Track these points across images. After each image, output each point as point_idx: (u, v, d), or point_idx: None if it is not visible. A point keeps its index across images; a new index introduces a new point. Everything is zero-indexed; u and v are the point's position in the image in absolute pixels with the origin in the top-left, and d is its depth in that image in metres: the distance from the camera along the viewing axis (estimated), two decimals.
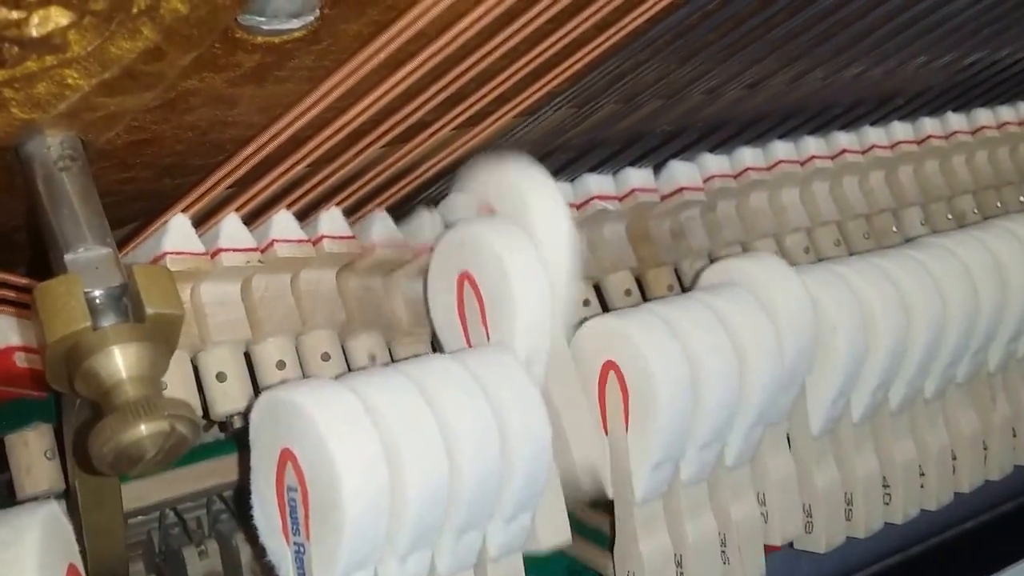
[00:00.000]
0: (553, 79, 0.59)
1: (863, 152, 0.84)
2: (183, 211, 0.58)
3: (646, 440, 0.59)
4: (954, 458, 0.75)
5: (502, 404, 0.53)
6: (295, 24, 0.49)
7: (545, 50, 0.55)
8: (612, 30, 0.56)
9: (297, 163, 0.57)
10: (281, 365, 0.60)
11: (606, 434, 0.61)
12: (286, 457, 0.50)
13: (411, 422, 0.50)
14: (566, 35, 0.55)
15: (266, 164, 0.57)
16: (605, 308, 0.74)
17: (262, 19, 0.47)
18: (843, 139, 0.83)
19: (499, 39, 0.53)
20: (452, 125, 0.59)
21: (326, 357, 0.62)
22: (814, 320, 0.64)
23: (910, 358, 0.69)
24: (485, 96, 0.58)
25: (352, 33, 0.51)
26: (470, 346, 0.60)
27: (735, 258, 0.67)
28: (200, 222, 0.59)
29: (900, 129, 0.86)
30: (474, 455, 0.51)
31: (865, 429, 0.71)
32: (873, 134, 0.85)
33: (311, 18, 0.49)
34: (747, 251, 0.81)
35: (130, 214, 0.61)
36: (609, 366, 0.60)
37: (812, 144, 0.82)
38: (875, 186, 0.87)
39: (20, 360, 0.61)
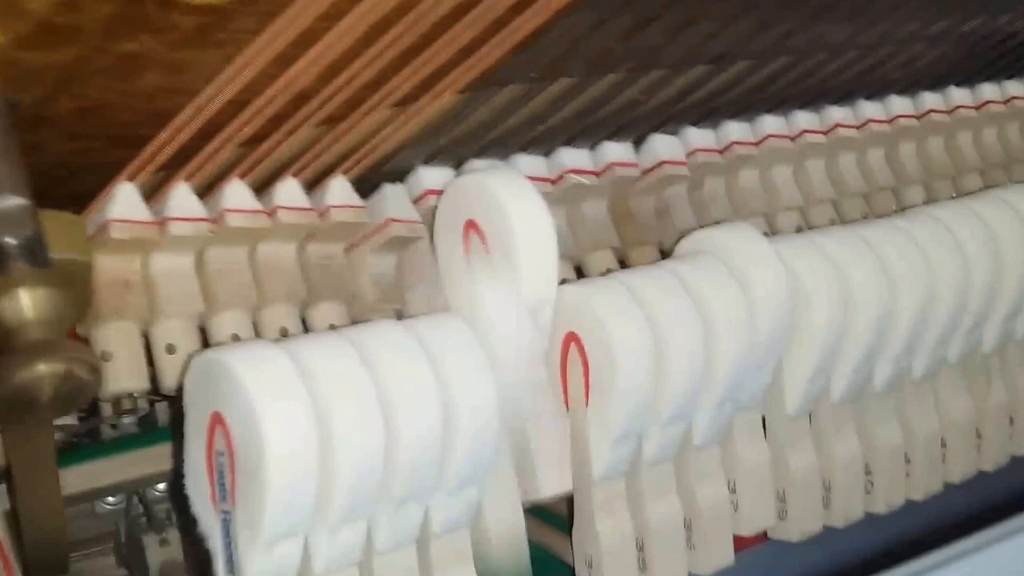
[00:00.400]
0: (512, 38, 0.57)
1: (858, 127, 0.82)
2: (131, 179, 0.57)
3: (605, 413, 0.57)
4: (944, 446, 0.72)
5: (447, 371, 0.52)
6: None
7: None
8: None
9: (241, 129, 0.56)
10: (236, 339, 0.60)
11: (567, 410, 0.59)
12: (215, 420, 0.49)
13: (346, 386, 0.49)
14: None
15: (213, 132, 0.56)
16: None
17: None
18: (837, 113, 0.81)
19: None
20: (401, 91, 0.58)
21: (284, 332, 0.61)
22: (789, 292, 0.62)
23: (895, 334, 0.66)
24: (434, 60, 0.57)
25: None
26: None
27: (708, 228, 0.65)
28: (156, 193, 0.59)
29: (899, 103, 0.83)
30: (413, 422, 0.50)
31: (846, 411, 0.68)
32: (870, 108, 0.82)
33: None
34: None
35: (87, 186, 0.61)
36: (570, 338, 0.58)
37: (803, 118, 0.80)
38: (874, 163, 0.84)
39: None
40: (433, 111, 0.61)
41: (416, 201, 0.66)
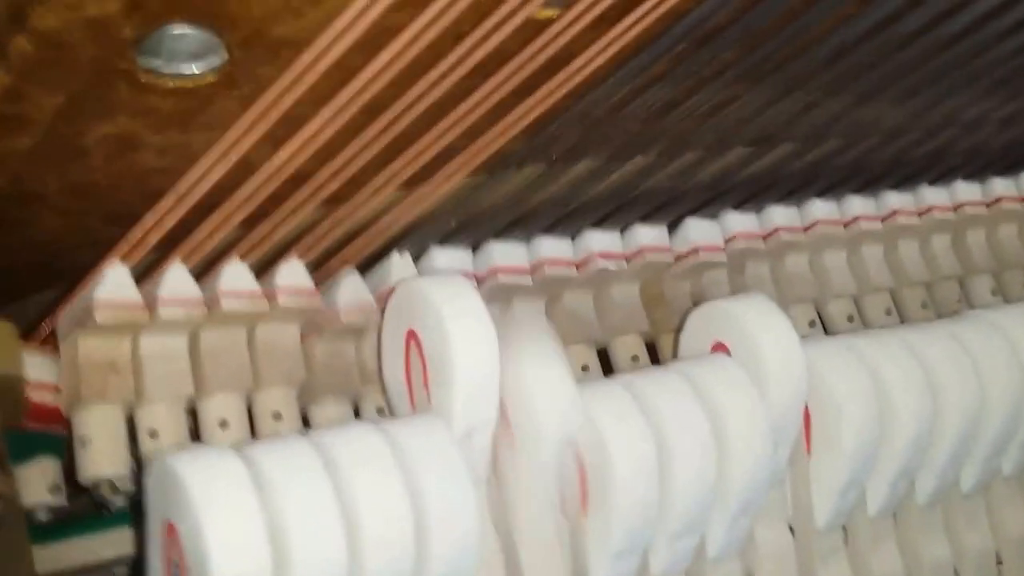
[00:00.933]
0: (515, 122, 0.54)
1: (920, 214, 0.76)
2: (124, 258, 0.55)
3: (605, 524, 0.53)
4: (999, 562, 0.66)
5: (422, 484, 0.48)
6: (198, 68, 0.46)
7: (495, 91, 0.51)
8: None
9: (236, 209, 0.54)
10: (224, 424, 0.57)
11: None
12: (169, 530, 0.46)
13: (307, 498, 0.46)
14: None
15: (211, 211, 0.54)
16: (608, 375, 0.68)
17: (159, 61, 0.45)
18: (895, 199, 0.75)
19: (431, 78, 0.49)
20: (405, 173, 0.55)
21: (277, 416, 0.59)
22: (805, 389, 0.57)
23: (939, 447, 0.61)
24: (439, 142, 0.54)
25: (270, 77, 0.48)
26: (414, 409, 0.55)
27: (722, 301, 0.60)
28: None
29: (965, 189, 0.77)
30: (380, 541, 0.47)
31: (885, 524, 0.62)
32: (932, 194, 0.76)
33: (217, 61, 0.46)
34: None
35: (84, 261, 0.59)
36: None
37: (858, 204, 0.74)
38: (938, 251, 0.78)
39: None
40: (444, 192, 0.59)
41: None
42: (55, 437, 0.58)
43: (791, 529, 0.61)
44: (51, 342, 0.58)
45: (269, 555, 0.44)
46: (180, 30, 0.43)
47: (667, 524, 0.54)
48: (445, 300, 0.52)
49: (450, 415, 0.52)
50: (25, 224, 0.56)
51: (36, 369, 0.57)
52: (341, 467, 0.47)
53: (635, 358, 0.68)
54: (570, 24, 0.47)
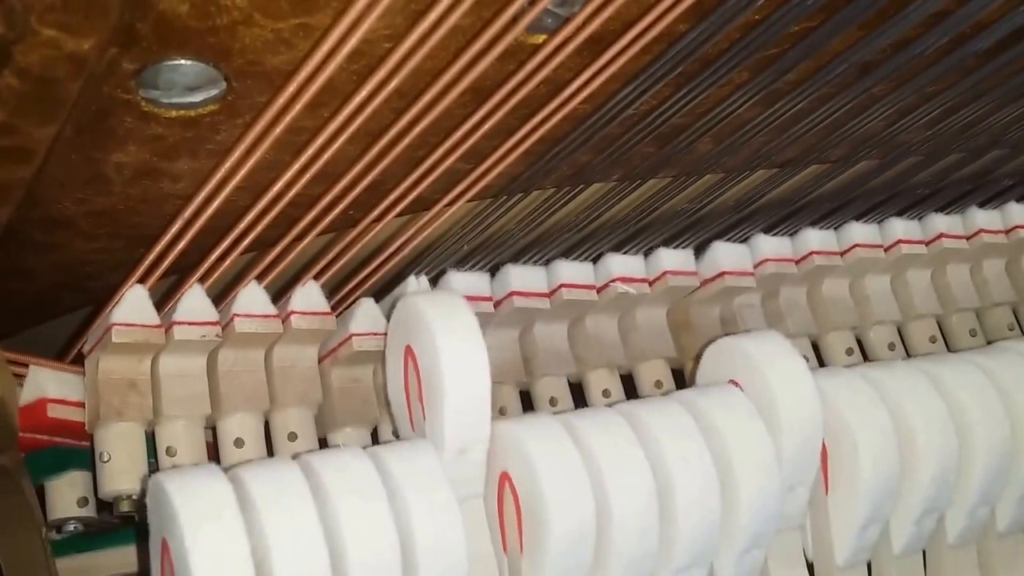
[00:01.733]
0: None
1: (968, 237, 0.73)
2: (143, 281, 0.57)
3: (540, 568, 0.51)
4: None
5: (410, 511, 0.48)
6: (198, 97, 0.47)
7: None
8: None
9: (245, 233, 0.55)
10: (239, 443, 0.58)
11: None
12: (164, 548, 0.47)
13: (291, 521, 0.46)
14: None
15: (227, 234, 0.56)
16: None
17: (157, 92, 0.46)
18: (942, 222, 0.73)
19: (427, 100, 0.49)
20: (409, 197, 0.56)
21: (293, 437, 0.60)
22: (819, 430, 0.55)
23: (967, 483, 0.58)
24: (438, 167, 0.54)
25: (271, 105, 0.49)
26: (412, 425, 0.56)
27: (735, 337, 0.59)
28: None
29: (1019, 212, 0.74)
30: (364, 566, 0.47)
31: (912, 563, 0.60)
32: (982, 217, 0.74)
33: (215, 91, 0.47)
34: (816, 343, 0.72)
35: (113, 283, 0.62)
36: (504, 478, 0.53)
37: (900, 227, 0.72)
38: (989, 276, 0.75)
39: (52, 411, 0.62)
40: (453, 215, 0.59)
41: None
42: (84, 452, 0.60)
43: (810, 569, 0.59)
44: (80, 361, 0.60)
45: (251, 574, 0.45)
46: (176, 62, 0.44)
47: (672, 560, 0.53)
48: (437, 317, 0.52)
49: (442, 432, 0.52)
50: (55, 248, 0.58)
51: (65, 387, 0.59)
52: (328, 491, 0.48)
53: (659, 383, 0.67)
54: (560, 48, 0.47)
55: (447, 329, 0.52)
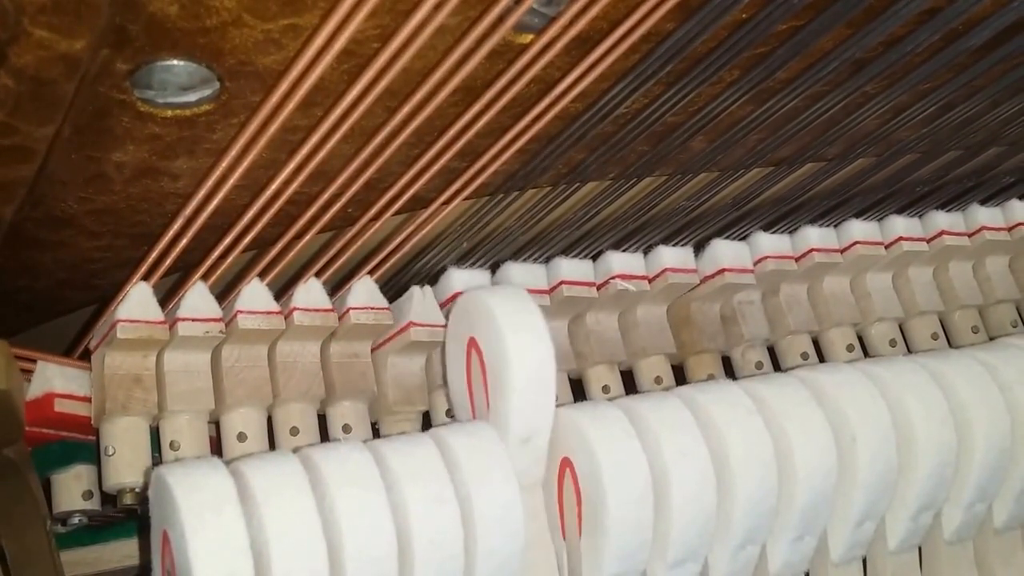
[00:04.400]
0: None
1: (970, 234, 0.73)
2: (147, 278, 0.58)
3: (599, 547, 0.53)
4: None
5: (408, 504, 0.49)
6: (192, 97, 0.48)
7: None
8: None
9: (246, 231, 0.56)
10: (242, 437, 0.59)
11: (564, 538, 0.55)
12: (164, 540, 0.48)
13: (290, 514, 0.47)
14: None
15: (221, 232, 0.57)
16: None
17: (152, 92, 0.47)
18: (943, 219, 0.73)
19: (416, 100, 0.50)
20: (407, 195, 0.57)
21: (295, 431, 0.61)
22: (826, 430, 0.55)
23: (964, 479, 0.59)
24: (434, 164, 0.55)
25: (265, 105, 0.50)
26: (474, 413, 0.57)
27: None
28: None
29: (1021, 209, 0.74)
30: (362, 558, 0.48)
31: (908, 559, 0.60)
32: (984, 214, 0.74)
33: (209, 91, 0.48)
34: (818, 341, 0.73)
35: (119, 280, 0.63)
36: (565, 464, 0.55)
37: (901, 224, 0.72)
38: (992, 273, 0.75)
39: (59, 405, 0.63)
40: (451, 213, 0.60)
41: (444, 304, 0.64)
42: (90, 446, 0.61)
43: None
44: (87, 357, 0.61)
45: (251, 568, 0.46)
46: (169, 63, 0.45)
47: (666, 553, 0.54)
48: (505, 312, 0.54)
49: (508, 421, 0.53)
50: (60, 246, 0.59)
51: (72, 382, 0.61)
52: (327, 485, 0.49)
53: (659, 379, 0.68)
54: (547, 47, 0.48)
55: (515, 324, 0.54)
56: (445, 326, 0.62)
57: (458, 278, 0.64)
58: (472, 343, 0.56)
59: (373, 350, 0.64)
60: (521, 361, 0.53)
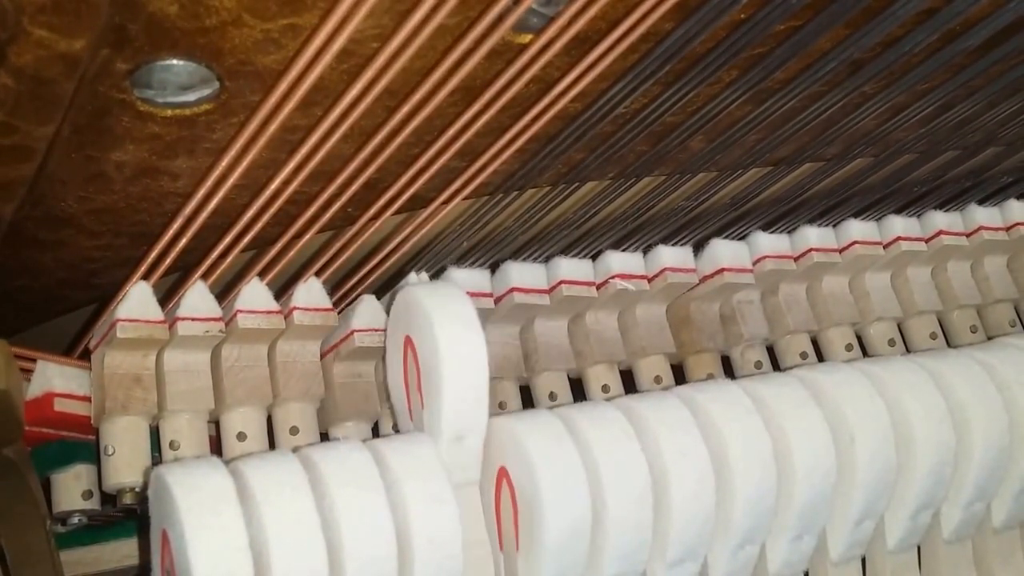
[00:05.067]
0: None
1: (968, 234, 0.73)
2: (146, 277, 0.58)
3: (535, 565, 0.52)
4: None
5: (408, 504, 0.49)
6: (192, 97, 0.48)
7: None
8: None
9: (246, 230, 0.56)
10: (242, 437, 0.60)
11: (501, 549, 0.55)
12: (164, 539, 0.48)
13: (289, 513, 0.47)
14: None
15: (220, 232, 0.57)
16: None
17: (152, 91, 0.47)
18: (941, 219, 0.73)
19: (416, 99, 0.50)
20: (406, 194, 0.57)
21: (295, 431, 0.61)
22: (824, 429, 0.56)
23: (963, 479, 0.59)
24: (433, 164, 0.55)
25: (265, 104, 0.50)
26: (411, 415, 0.56)
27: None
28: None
29: (1019, 209, 0.74)
30: (361, 558, 0.48)
31: (906, 558, 0.60)
32: (982, 214, 0.74)
33: (209, 91, 0.48)
34: (817, 340, 0.73)
35: (119, 280, 0.63)
36: (502, 473, 0.54)
37: (899, 224, 0.72)
38: (991, 273, 0.75)
39: (59, 405, 0.63)
40: (452, 212, 0.60)
41: None
42: (90, 445, 0.61)
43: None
44: (87, 356, 0.61)
45: (250, 567, 0.46)
46: (168, 62, 0.46)
47: (666, 552, 0.54)
48: (435, 306, 0.53)
49: (439, 418, 0.52)
50: (60, 245, 0.60)
51: (71, 381, 0.61)
52: (326, 483, 0.49)
53: (658, 379, 0.68)
54: (546, 47, 0.48)
55: (445, 317, 0.53)
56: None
57: (458, 277, 0.64)
58: (408, 342, 0.56)
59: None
60: (452, 356, 0.52)
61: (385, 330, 0.61)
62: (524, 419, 0.53)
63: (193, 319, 0.58)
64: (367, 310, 0.62)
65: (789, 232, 0.71)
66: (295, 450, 0.52)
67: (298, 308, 0.60)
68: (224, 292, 0.60)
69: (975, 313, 0.76)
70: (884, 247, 0.72)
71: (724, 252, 0.68)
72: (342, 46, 0.44)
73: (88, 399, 0.60)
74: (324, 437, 0.63)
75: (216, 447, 0.60)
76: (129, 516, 0.65)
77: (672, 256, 0.68)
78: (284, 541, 0.47)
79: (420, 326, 0.54)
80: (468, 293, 0.58)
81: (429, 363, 0.53)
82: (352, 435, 0.63)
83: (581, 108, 0.54)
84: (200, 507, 0.46)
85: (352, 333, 0.61)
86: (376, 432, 0.64)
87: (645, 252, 0.68)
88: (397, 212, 0.58)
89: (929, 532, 0.61)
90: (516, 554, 0.52)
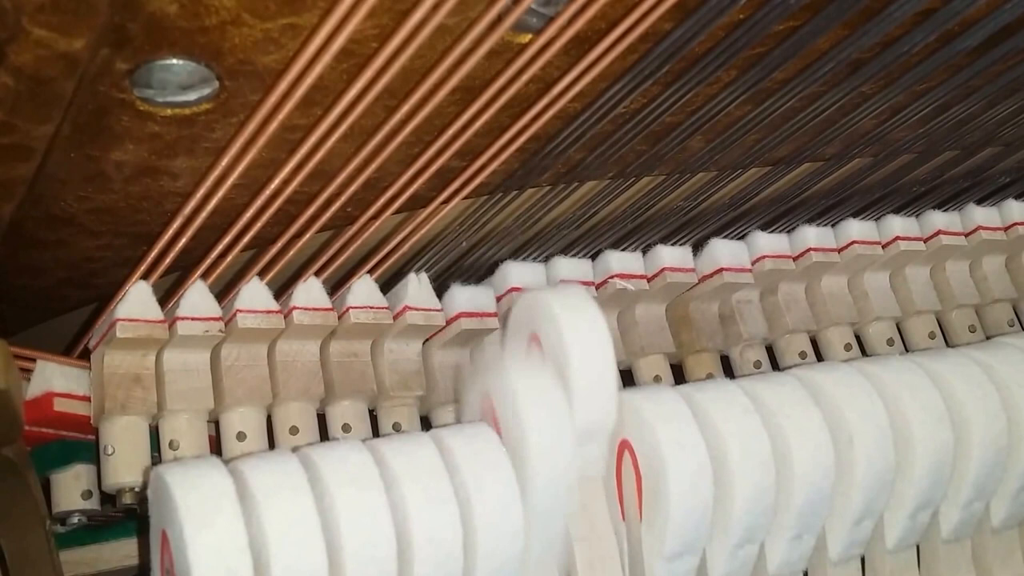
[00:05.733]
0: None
1: (967, 234, 0.73)
2: (146, 277, 0.58)
3: (660, 528, 0.53)
4: None
5: (407, 503, 0.49)
6: (191, 96, 0.48)
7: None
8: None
9: (246, 230, 0.56)
10: (241, 436, 0.60)
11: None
12: (164, 539, 0.48)
13: (289, 513, 0.47)
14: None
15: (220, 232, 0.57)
16: None
17: (152, 91, 0.47)
18: (939, 219, 0.73)
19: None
20: (406, 194, 0.57)
21: (294, 431, 0.61)
22: (821, 426, 0.56)
23: (962, 478, 0.59)
24: (433, 163, 0.55)
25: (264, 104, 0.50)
26: None
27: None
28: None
29: (1018, 209, 0.75)
30: (360, 558, 0.48)
31: (906, 557, 0.60)
32: (980, 214, 0.74)
33: (209, 90, 0.48)
34: (816, 340, 0.73)
35: (119, 279, 0.63)
36: (623, 446, 0.55)
37: (898, 224, 0.72)
38: (989, 273, 0.75)
39: (58, 405, 0.63)
40: (452, 212, 0.60)
41: (500, 297, 0.64)
42: (89, 445, 0.61)
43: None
44: (86, 356, 0.61)
45: (250, 567, 0.46)
46: (168, 62, 0.46)
47: (728, 532, 0.54)
48: (565, 309, 0.54)
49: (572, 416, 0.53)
50: (59, 245, 0.60)
51: (71, 381, 0.61)
52: (326, 484, 0.49)
53: (657, 378, 0.68)
54: (546, 47, 0.48)
55: (574, 322, 0.53)
56: (440, 310, 0.63)
57: (515, 272, 0.64)
58: (534, 338, 0.56)
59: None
60: (583, 359, 0.53)
61: (381, 308, 0.62)
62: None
63: (193, 319, 0.58)
64: (363, 289, 0.62)
65: (788, 232, 0.71)
66: (295, 450, 0.51)
67: (298, 308, 0.60)
68: (224, 292, 0.60)
69: (973, 313, 0.76)
70: (883, 247, 0.72)
71: (723, 252, 0.68)
72: (342, 46, 0.44)
73: (88, 399, 0.60)
74: (321, 420, 0.63)
75: (216, 447, 0.60)
76: (129, 516, 0.65)
77: (671, 256, 0.68)
78: (284, 541, 0.47)
79: (547, 326, 0.54)
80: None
81: (558, 360, 0.53)
82: (348, 414, 0.63)
83: (580, 108, 0.54)
84: (200, 507, 0.46)
85: (348, 310, 0.61)
86: (376, 432, 0.64)
87: (644, 252, 0.68)
88: (397, 212, 0.58)
89: (928, 531, 0.61)
90: (639, 524, 0.53)
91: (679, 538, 0.54)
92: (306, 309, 0.61)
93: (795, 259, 0.70)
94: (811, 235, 0.70)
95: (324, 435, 0.63)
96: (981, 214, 0.74)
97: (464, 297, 0.64)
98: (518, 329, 0.58)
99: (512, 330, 0.59)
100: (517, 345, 0.58)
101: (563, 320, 0.53)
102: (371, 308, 0.62)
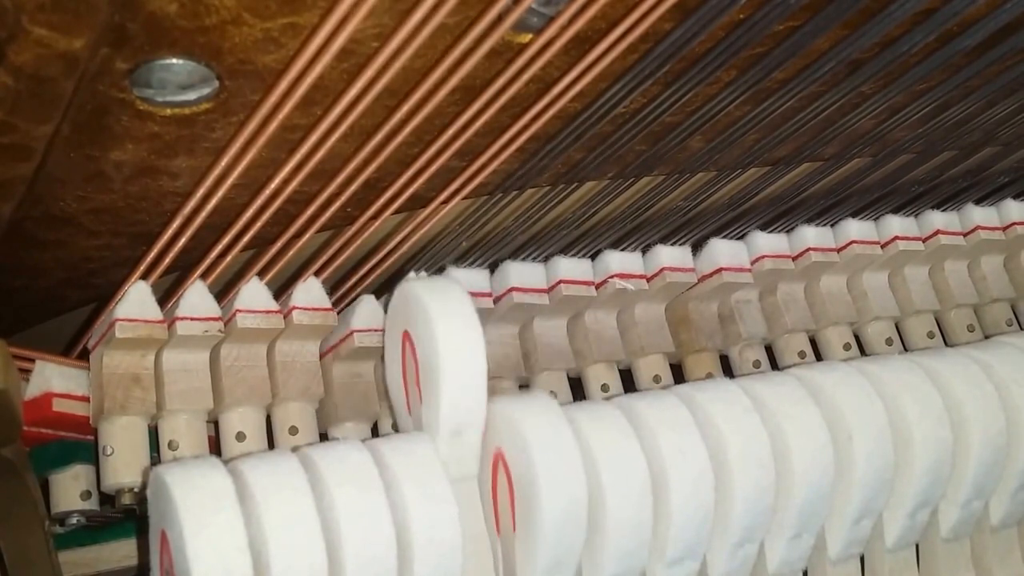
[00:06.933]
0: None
1: (965, 234, 0.74)
2: (145, 277, 0.58)
3: (532, 546, 0.51)
4: None
5: (407, 503, 0.49)
6: (191, 96, 0.48)
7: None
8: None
9: (245, 230, 0.56)
10: (241, 436, 0.60)
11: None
12: (163, 540, 0.48)
13: (288, 513, 0.47)
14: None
15: (220, 232, 0.57)
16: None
17: (151, 90, 0.47)
18: (938, 219, 0.73)
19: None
20: (405, 194, 0.57)
21: (294, 431, 0.61)
22: (824, 428, 0.56)
23: (961, 477, 0.59)
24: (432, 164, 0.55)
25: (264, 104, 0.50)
26: (408, 410, 0.56)
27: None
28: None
29: (1017, 209, 0.75)
30: (361, 557, 0.48)
31: (905, 556, 0.60)
32: (979, 214, 0.74)
33: (208, 90, 0.48)
34: (815, 339, 0.73)
35: (118, 280, 0.63)
36: (497, 457, 0.53)
37: (897, 224, 0.72)
38: (987, 272, 0.75)
39: (57, 405, 0.63)
40: (452, 212, 0.60)
41: None
42: (88, 445, 0.61)
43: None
44: (85, 356, 0.61)
45: (249, 567, 0.46)
46: (168, 61, 0.46)
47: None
48: (433, 300, 0.53)
49: (438, 413, 0.52)
50: (59, 245, 0.60)
51: (70, 381, 0.61)
52: (326, 483, 0.49)
53: (657, 378, 0.68)
54: (546, 46, 0.48)
55: (443, 312, 0.52)
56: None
57: (457, 277, 0.64)
58: (406, 337, 0.55)
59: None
60: (451, 351, 0.51)
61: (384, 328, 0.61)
62: (520, 401, 0.53)
63: (192, 319, 0.58)
64: (366, 310, 0.62)
65: (787, 232, 0.71)
66: (294, 450, 0.51)
67: (297, 308, 0.60)
68: (223, 292, 0.60)
69: (972, 312, 0.76)
70: (882, 247, 0.72)
71: (723, 251, 0.69)
72: (342, 45, 0.44)
73: (87, 399, 0.60)
74: (324, 438, 0.63)
75: (215, 447, 0.60)
76: (128, 516, 0.65)
77: (671, 256, 0.68)
78: (283, 541, 0.47)
79: (419, 321, 0.53)
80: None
81: (428, 358, 0.53)
82: (351, 436, 0.62)
83: (580, 108, 0.54)
84: (199, 507, 0.46)
85: (352, 333, 0.62)
86: (376, 432, 0.64)
87: (644, 252, 0.68)
88: (397, 212, 0.58)
89: (927, 530, 0.61)
90: (513, 536, 0.52)
91: (680, 542, 0.54)
92: (306, 309, 0.61)
93: (794, 259, 0.71)
94: (810, 235, 0.70)
95: (324, 436, 0.63)
96: (980, 214, 0.74)
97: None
98: (395, 324, 0.57)
99: (388, 330, 0.58)
100: (392, 341, 0.57)
101: (435, 318, 0.52)
102: (375, 331, 0.62)
